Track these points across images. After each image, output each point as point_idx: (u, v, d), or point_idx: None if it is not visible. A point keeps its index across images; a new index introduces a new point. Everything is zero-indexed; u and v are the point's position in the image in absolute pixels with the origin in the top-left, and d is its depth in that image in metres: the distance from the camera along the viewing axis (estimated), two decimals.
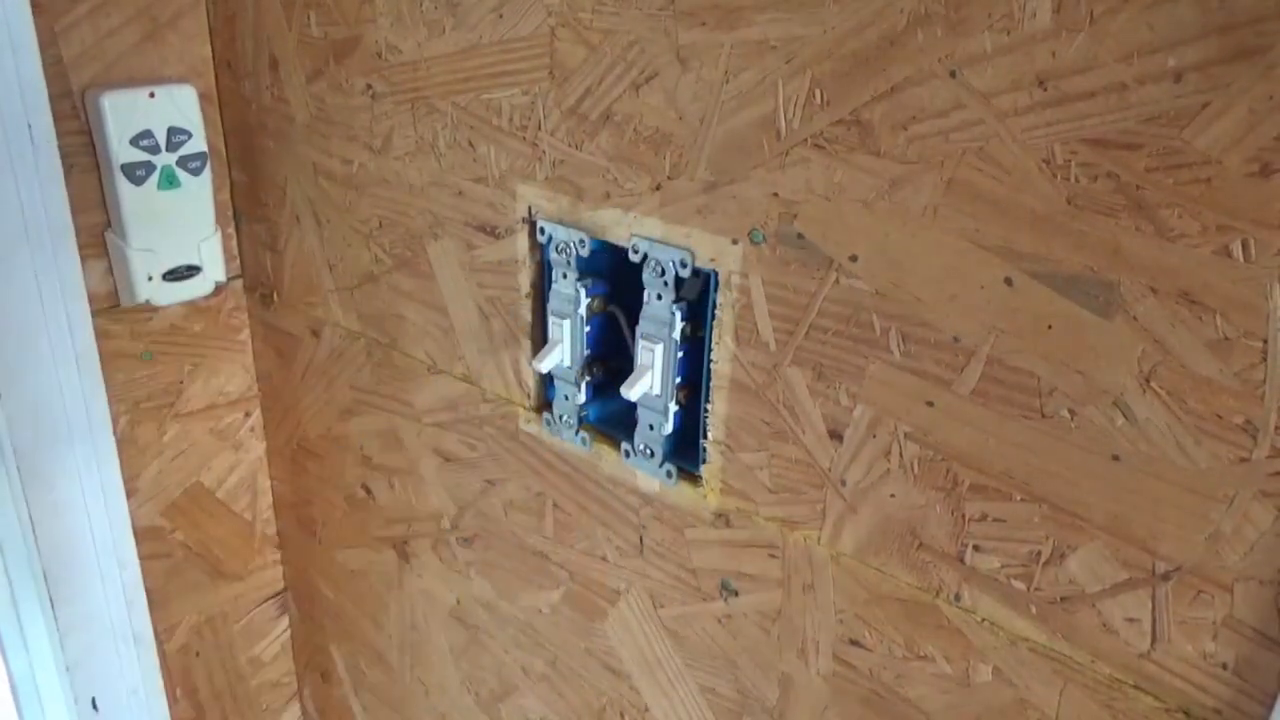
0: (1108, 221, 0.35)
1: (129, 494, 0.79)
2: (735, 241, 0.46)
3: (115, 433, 0.76)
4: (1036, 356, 0.38)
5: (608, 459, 0.57)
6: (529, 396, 0.61)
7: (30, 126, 0.65)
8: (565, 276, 0.54)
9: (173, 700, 0.89)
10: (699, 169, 0.46)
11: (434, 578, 0.74)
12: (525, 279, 0.57)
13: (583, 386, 0.56)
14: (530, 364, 0.59)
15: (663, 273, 0.49)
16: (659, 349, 0.51)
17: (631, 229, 0.50)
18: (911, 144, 0.39)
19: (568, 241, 0.53)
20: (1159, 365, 0.35)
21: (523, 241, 0.56)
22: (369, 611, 0.83)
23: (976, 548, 0.42)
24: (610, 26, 0.47)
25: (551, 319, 0.55)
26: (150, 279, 0.74)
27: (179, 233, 0.74)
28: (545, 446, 0.60)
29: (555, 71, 0.51)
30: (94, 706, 0.81)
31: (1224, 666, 0.37)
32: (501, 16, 0.52)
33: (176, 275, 0.75)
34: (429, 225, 0.62)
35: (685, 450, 0.53)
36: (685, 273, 0.48)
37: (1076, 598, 0.40)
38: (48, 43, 0.66)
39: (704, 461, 0.52)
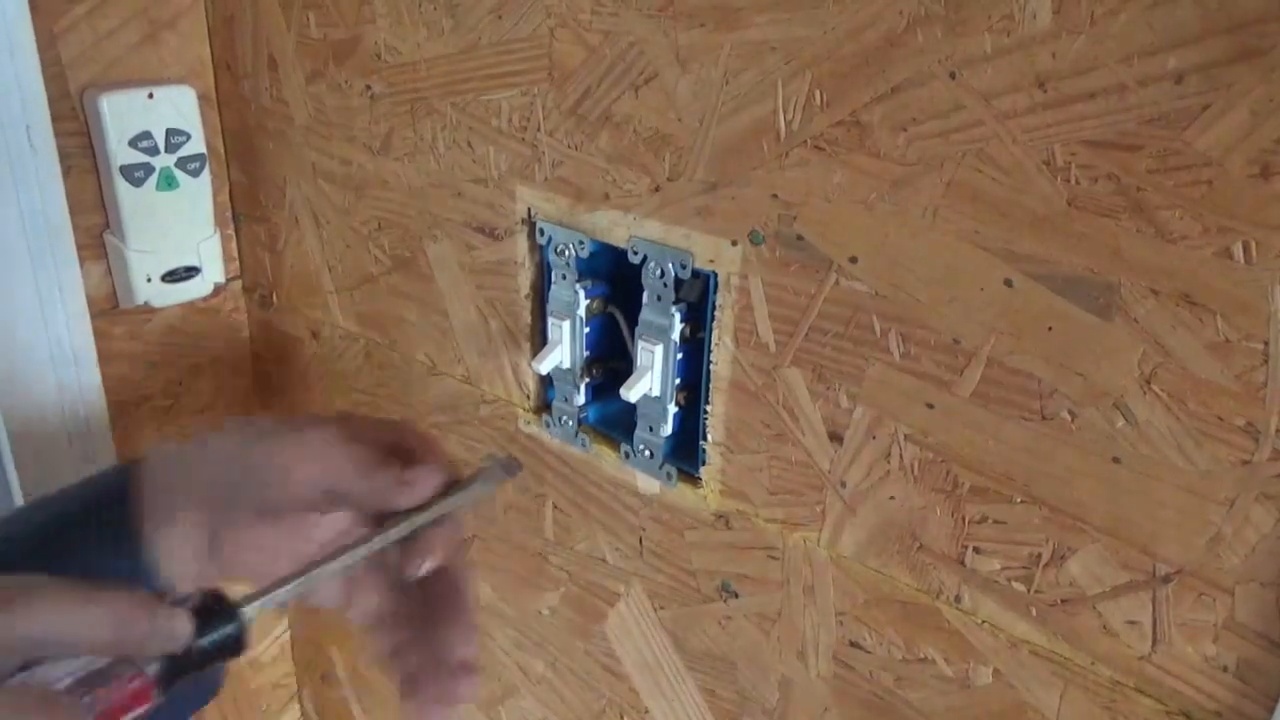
0: (1108, 223, 0.35)
1: None
2: (735, 243, 0.46)
3: (114, 435, 0.76)
4: (1037, 358, 0.38)
5: (607, 460, 0.57)
6: (528, 398, 0.61)
7: (29, 128, 0.65)
8: (565, 278, 0.54)
9: None
10: (698, 170, 0.46)
11: None
12: (525, 280, 0.57)
13: (582, 388, 0.56)
14: (530, 365, 0.59)
15: (662, 274, 0.49)
16: (659, 350, 0.51)
17: (631, 230, 0.50)
18: (911, 145, 0.39)
19: (567, 243, 0.53)
20: (1159, 367, 0.35)
21: (522, 243, 0.56)
22: None
23: (977, 550, 0.42)
24: (609, 27, 0.47)
25: (551, 320, 0.55)
26: (149, 280, 0.73)
27: (178, 234, 0.74)
28: (545, 448, 0.60)
29: (554, 72, 0.51)
30: None
31: (1225, 669, 0.37)
32: (500, 18, 0.52)
33: (175, 276, 0.75)
34: (428, 226, 0.62)
35: (685, 452, 0.53)
36: (685, 274, 0.48)
37: (1077, 600, 0.40)
38: (46, 44, 0.66)
39: (704, 463, 0.52)
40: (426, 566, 0.44)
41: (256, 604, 0.38)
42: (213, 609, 0.37)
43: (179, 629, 0.36)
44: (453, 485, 0.45)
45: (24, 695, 0.31)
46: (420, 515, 0.44)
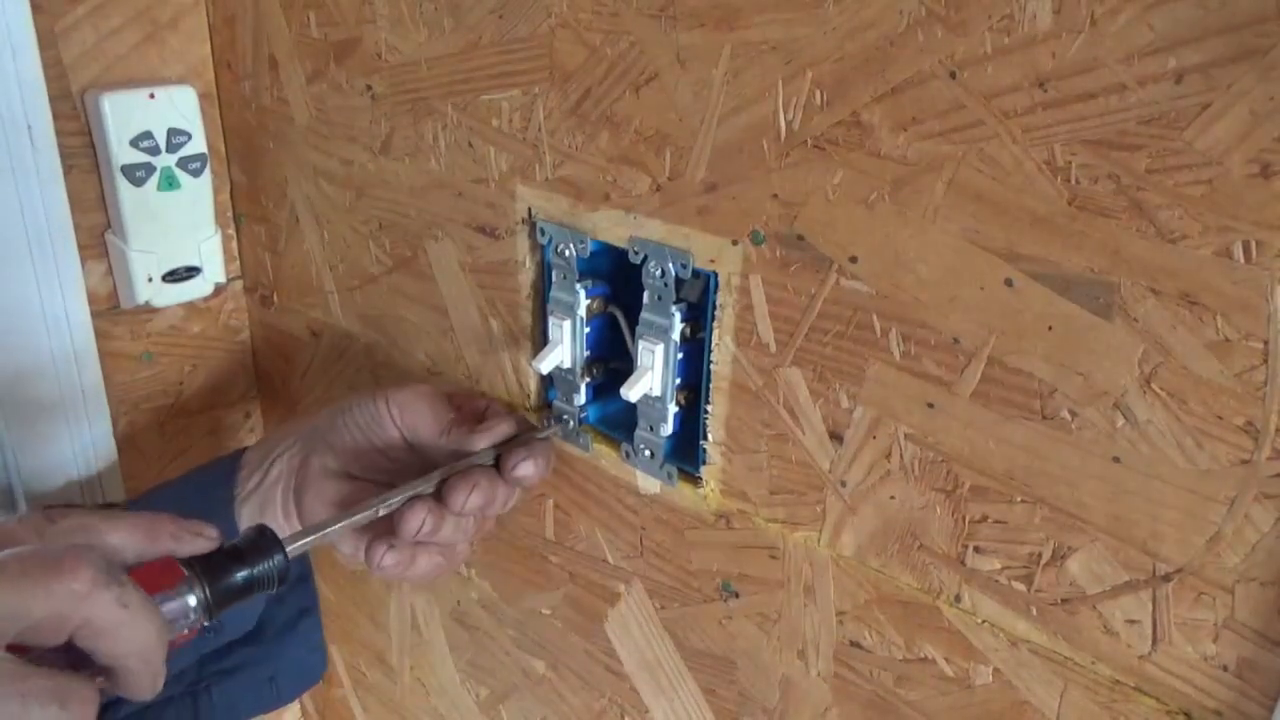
0: (1108, 223, 0.35)
1: (129, 495, 0.79)
2: (735, 243, 0.46)
3: (115, 434, 0.76)
4: (1037, 358, 0.38)
5: (608, 460, 0.57)
6: (529, 397, 0.61)
7: (30, 128, 0.65)
8: (565, 278, 0.54)
9: None
10: (699, 170, 0.46)
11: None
12: (525, 280, 0.57)
13: (583, 388, 0.56)
14: (531, 365, 0.59)
15: (662, 274, 0.49)
16: (659, 350, 0.51)
17: (631, 230, 0.50)
18: (912, 145, 0.39)
19: (568, 243, 0.53)
20: (1160, 367, 0.35)
21: (523, 243, 0.56)
22: (369, 613, 0.83)
23: (977, 549, 0.42)
24: (610, 27, 0.47)
25: (552, 320, 0.55)
26: (150, 280, 0.73)
27: (179, 234, 0.74)
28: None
29: (555, 72, 0.51)
30: None
31: (1225, 668, 0.37)
32: (501, 18, 0.52)
33: (176, 276, 0.75)
34: (429, 226, 0.62)
35: (685, 451, 0.53)
36: (685, 274, 0.48)
37: (1077, 599, 0.40)
38: (47, 44, 0.66)
39: (704, 463, 0.52)
40: (521, 470, 0.52)
41: (300, 543, 0.43)
42: (260, 542, 0.41)
43: (206, 531, 0.41)
44: (508, 442, 0.53)
45: (58, 548, 0.36)
46: (459, 464, 0.52)
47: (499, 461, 0.53)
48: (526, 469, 0.52)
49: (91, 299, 0.72)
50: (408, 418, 0.54)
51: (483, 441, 0.52)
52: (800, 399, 0.46)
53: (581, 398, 0.56)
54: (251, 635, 0.63)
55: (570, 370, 0.56)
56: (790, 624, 0.50)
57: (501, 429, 0.53)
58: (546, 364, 0.55)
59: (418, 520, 0.49)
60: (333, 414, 0.56)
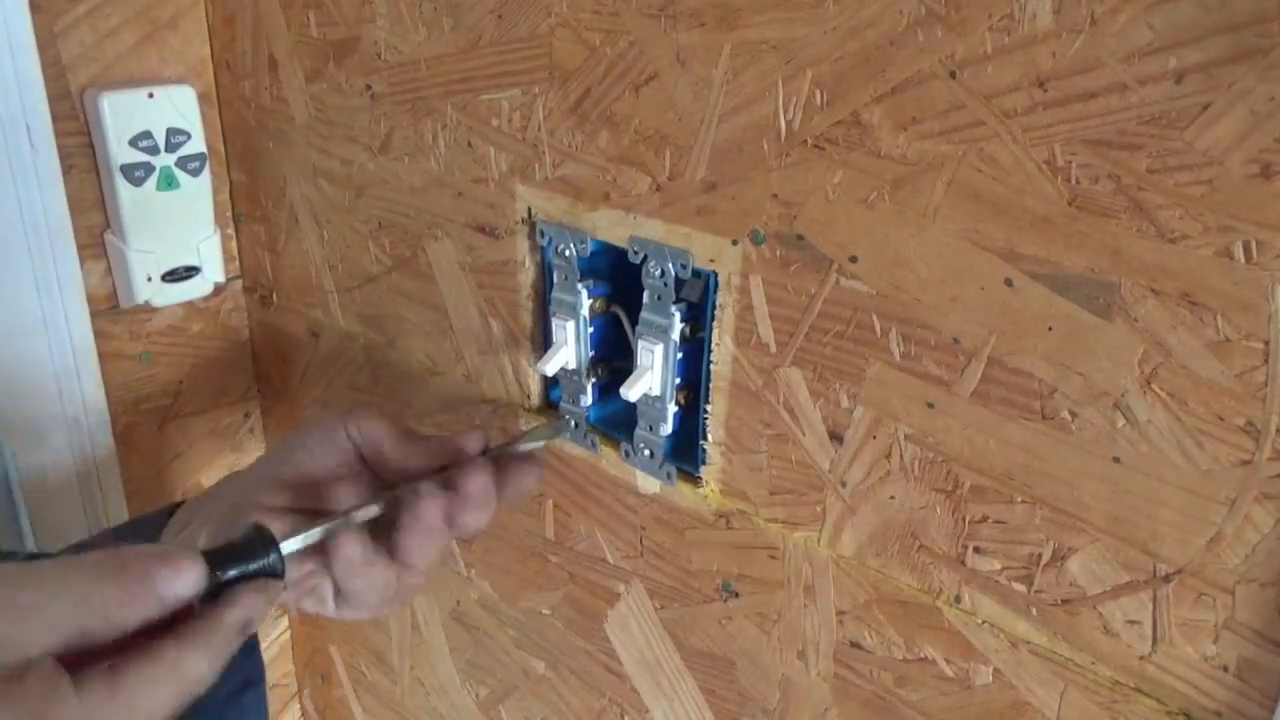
0: (1109, 223, 0.35)
1: (128, 495, 0.79)
2: (735, 242, 0.46)
3: (115, 434, 0.76)
4: (1037, 358, 0.38)
5: (608, 459, 0.57)
6: (529, 397, 0.61)
7: (29, 127, 0.65)
8: (567, 278, 0.54)
9: None
10: (699, 170, 0.46)
11: (434, 579, 0.74)
12: (526, 280, 0.57)
13: (589, 388, 0.56)
14: (532, 366, 0.59)
15: (662, 274, 0.49)
16: (659, 350, 0.51)
17: (631, 230, 0.50)
18: (912, 145, 0.39)
19: (567, 243, 0.53)
20: (1160, 367, 0.35)
21: (522, 242, 0.56)
22: None
23: (977, 550, 0.42)
24: (610, 27, 0.47)
25: (554, 321, 0.55)
26: (149, 280, 0.73)
27: (178, 234, 0.74)
28: (545, 447, 0.60)
29: (555, 72, 0.51)
30: None
31: (1225, 669, 0.37)
32: (501, 17, 0.52)
33: (175, 276, 0.75)
34: (428, 226, 0.62)
35: (685, 451, 0.53)
36: (685, 274, 0.48)
37: (1077, 600, 0.40)
38: (46, 43, 0.66)
39: (704, 463, 0.52)
40: (533, 477, 0.50)
41: (296, 540, 0.44)
42: (257, 540, 0.42)
43: (185, 578, 0.38)
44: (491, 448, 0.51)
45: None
46: (428, 481, 0.48)
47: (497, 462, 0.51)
48: (529, 467, 0.50)
49: (91, 299, 0.72)
50: (366, 431, 0.51)
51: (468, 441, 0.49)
52: (800, 399, 0.46)
53: (588, 398, 0.56)
54: (187, 712, 0.59)
55: (576, 371, 0.56)
56: (790, 624, 0.50)
57: (475, 437, 0.50)
58: (552, 365, 0.55)
59: (437, 506, 0.45)
60: (280, 448, 0.52)
